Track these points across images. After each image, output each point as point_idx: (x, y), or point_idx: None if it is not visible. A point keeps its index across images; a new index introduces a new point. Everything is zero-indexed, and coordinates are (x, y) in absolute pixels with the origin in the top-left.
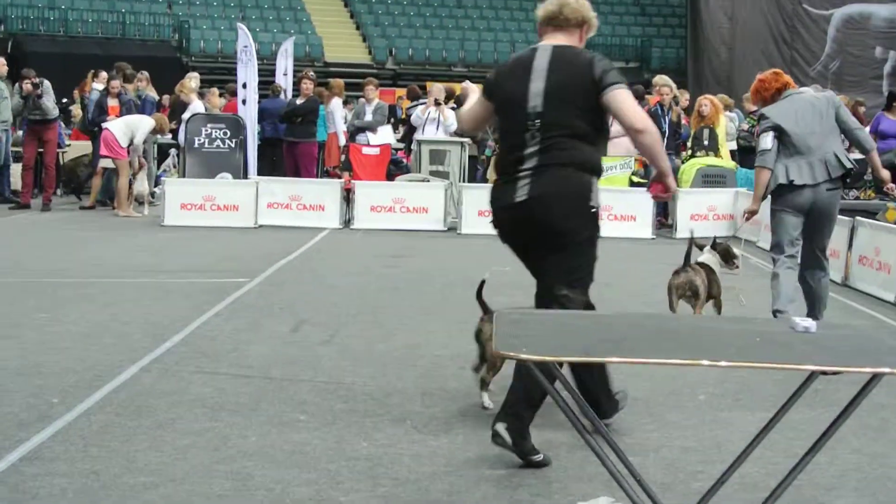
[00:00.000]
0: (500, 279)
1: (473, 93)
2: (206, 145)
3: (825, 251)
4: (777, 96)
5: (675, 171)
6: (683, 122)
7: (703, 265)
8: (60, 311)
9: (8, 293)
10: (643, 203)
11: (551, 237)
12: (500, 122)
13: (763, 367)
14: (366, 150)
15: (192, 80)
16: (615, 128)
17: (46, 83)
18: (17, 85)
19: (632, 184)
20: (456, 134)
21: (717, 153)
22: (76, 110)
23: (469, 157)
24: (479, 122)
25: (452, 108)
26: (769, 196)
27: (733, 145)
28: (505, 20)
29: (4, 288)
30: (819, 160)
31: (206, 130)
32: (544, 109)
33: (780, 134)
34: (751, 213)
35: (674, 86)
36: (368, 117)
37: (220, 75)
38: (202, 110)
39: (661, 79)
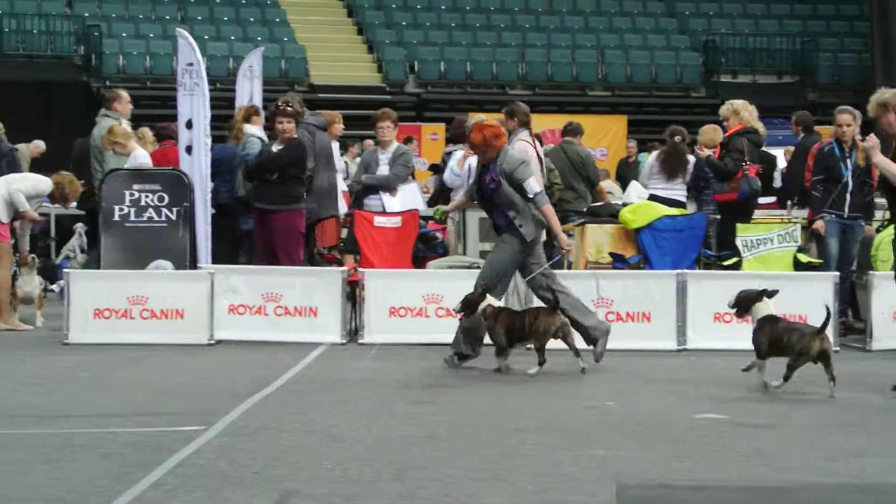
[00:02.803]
0: (604, 416)
1: None
2: (132, 218)
3: None
4: None
5: (867, 244)
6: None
7: None
8: None
9: None
10: (816, 295)
11: None
12: None
13: None
14: (380, 221)
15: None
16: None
17: None
18: None
19: (798, 265)
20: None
21: None
22: None
23: None
24: None
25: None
26: None
27: None
28: (587, 14)
29: None
30: None
31: (132, 195)
32: None
33: None
34: None
35: (858, 115)
36: (383, 170)
37: (149, 108)
38: (148, 163)
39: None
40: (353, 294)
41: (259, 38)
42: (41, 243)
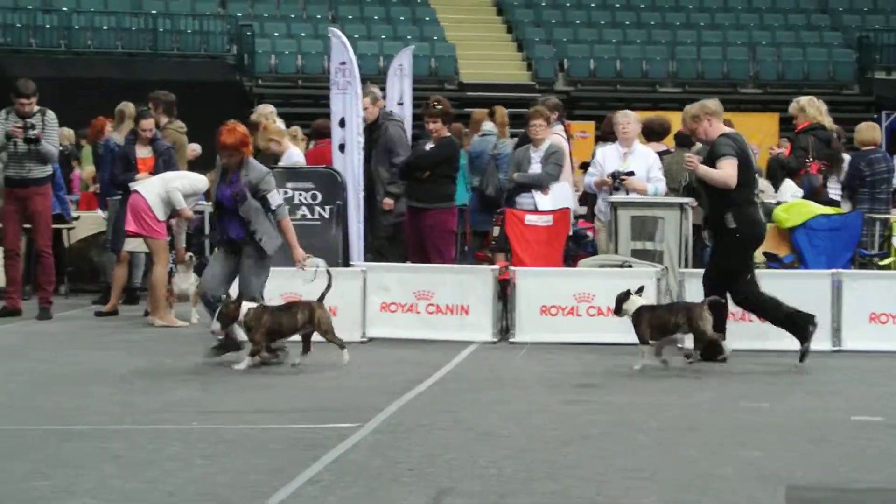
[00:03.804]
0: (759, 418)
1: None
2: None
3: None
4: None
5: None
6: None
7: None
8: (68, 477)
9: None
10: None
11: None
12: None
13: None
14: (531, 220)
15: (273, 115)
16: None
17: (50, 116)
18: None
19: None
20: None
21: None
22: (85, 167)
23: (692, 226)
24: None
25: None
26: None
27: None
28: (738, 11)
29: None
30: None
31: (285, 193)
32: None
33: None
34: None
35: None
36: (535, 168)
37: (300, 107)
38: (302, 161)
39: None
40: (504, 292)
41: (409, 37)
42: (195, 241)
